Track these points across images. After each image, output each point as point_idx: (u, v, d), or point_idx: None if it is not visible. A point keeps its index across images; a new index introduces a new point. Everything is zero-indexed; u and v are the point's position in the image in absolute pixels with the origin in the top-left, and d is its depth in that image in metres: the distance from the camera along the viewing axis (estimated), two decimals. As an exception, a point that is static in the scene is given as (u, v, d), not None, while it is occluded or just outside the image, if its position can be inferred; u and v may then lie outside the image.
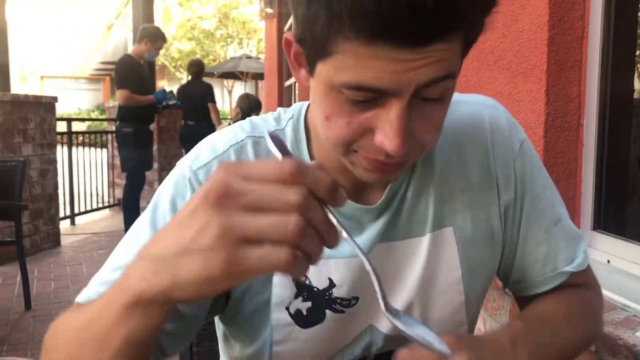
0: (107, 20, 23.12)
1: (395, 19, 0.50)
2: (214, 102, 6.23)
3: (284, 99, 9.53)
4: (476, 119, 0.80)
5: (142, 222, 0.74)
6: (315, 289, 0.75)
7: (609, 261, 1.48)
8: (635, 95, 1.70)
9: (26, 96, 4.85)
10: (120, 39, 15.81)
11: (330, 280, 0.75)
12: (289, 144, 0.76)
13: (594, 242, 1.55)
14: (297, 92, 7.90)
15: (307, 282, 0.75)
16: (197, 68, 6.22)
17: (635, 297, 1.27)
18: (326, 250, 0.70)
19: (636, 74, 1.71)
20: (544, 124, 1.55)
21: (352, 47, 0.54)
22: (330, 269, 0.75)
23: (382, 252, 0.76)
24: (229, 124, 5.06)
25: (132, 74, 4.87)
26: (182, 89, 6.23)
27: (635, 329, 1.15)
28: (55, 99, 5.18)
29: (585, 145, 1.57)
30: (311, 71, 0.63)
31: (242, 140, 0.76)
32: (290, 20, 8.91)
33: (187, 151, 0.83)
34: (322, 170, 0.46)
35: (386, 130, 0.59)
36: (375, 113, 0.60)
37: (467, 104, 0.82)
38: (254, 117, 0.81)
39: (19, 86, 21.09)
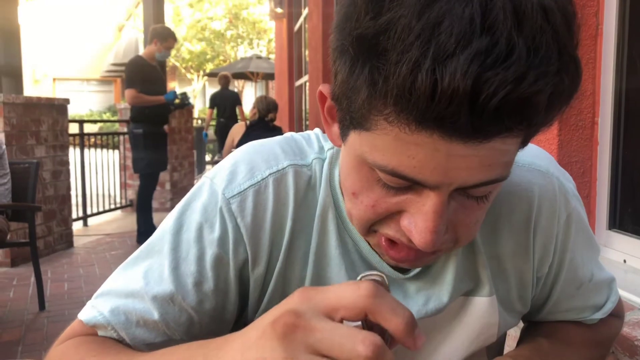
0: (118, 21, 23.26)
1: (449, 115, 0.44)
2: (240, 105, 8.86)
3: (295, 99, 9.54)
4: (524, 191, 0.72)
5: (163, 243, 0.68)
6: None
7: (625, 260, 1.46)
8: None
9: (39, 98, 4.89)
10: (131, 40, 15.91)
11: None
12: (323, 179, 0.69)
13: (609, 241, 1.53)
14: (307, 92, 7.90)
15: None
16: (225, 80, 8.77)
17: (653, 297, 1.25)
18: None
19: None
20: (558, 122, 1.53)
21: (393, 130, 0.48)
22: None
23: (425, 320, 0.71)
24: (246, 124, 5.10)
25: (140, 74, 4.89)
26: (217, 94, 8.75)
27: (653, 330, 1.13)
28: (67, 100, 5.21)
29: (600, 144, 1.56)
30: (343, 136, 0.57)
31: (283, 169, 0.68)
32: (300, 21, 8.93)
33: (221, 143, 0.78)
34: (399, 304, 0.42)
35: (418, 222, 0.53)
36: (408, 199, 0.54)
37: (518, 168, 0.72)
38: (296, 135, 0.74)
39: (31, 89, 21.29)
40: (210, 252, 0.66)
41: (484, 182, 0.51)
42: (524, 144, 0.53)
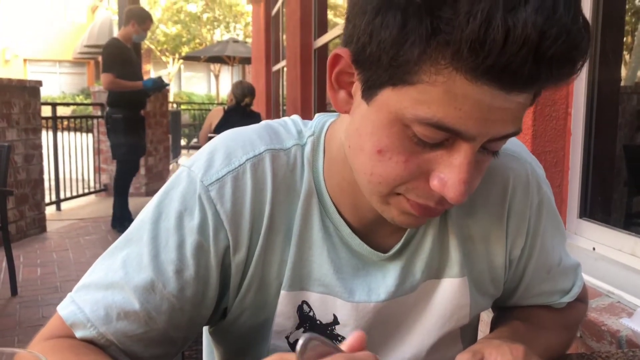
0: (91, 2, 22.77)
1: (517, 60, 0.48)
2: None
3: (272, 84, 9.49)
4: (499, 174, 0.75)
5: (142, 232, 0.68)
6: (318, 322, 0.73)
7: (594, 248, 1.51)
8: (622, 84, 1.72)
9: (9, 80, 4.77)
10: (105, 22, 15.61)
11: (335, 317, 0.73)
12: (305, 165, 0.70)
13: (580, 229, 1.58)
14: (285, 77, 7.86)
15: (311, 313, 0.73)
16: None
17: (620, 284, 1.29)
18: (333, 289, 0.70)
19: (623, 63, 1.72)
20: (533, 112, 1.56)
21: (446, 81, 0.51)
22: (336, 308, 0.72)
23: (394, 306, 0.74)
24: (224, 109, 5.04)
25: (118, 57, 4.80)
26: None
27: (619, 315, 1.17)
28: (39, 83, 5.10)
29: (573, 134, 1.59)
30: (368, 95, 0.57)
31: (260, 154, 0.69)
32: (278, 5, 8.85)
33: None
34: None
35: (450, 175, 0.56)
36: (440, 155, 0.56)
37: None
38: (272, 122, 0.75)
39: (1, 70, 20.77)
40: (190, 239, 0.66)
41: (510, 134, 0.56)
42: (532, 101, 0.58)
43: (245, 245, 0.68)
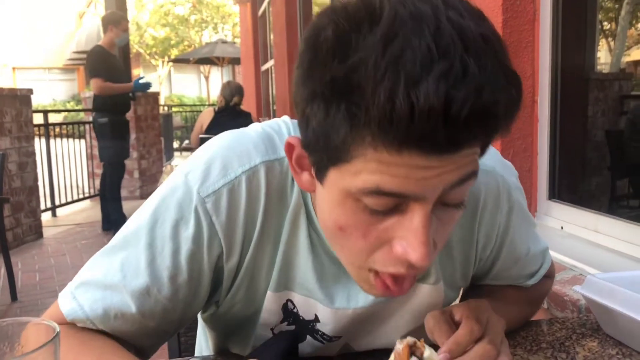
0: (79, 8, 22.75)
1: (428, 131, 0.49)
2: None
3: (261, 83, 9.54)
4: (472, 189, 0.77)
5: (139, 237, 0.71)
6: (301, 318, 0.78)
7: (562, 227, 1.60)
8: (585, 70, 1.81)
9: (1, 89, 4.83)
10: (92, 28, 15.58)
11: (316, 316, 0.78)
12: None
13: (549, 210, 1.67)
14: (274, 76, 7.92)
15: (295, 310, 0.77)
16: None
17: (583, 258, 1.39)
18: (315, 294, 0.76)
19: (584, 50, 1.81)
20: (501, 101, 1.65)
21: (375, 154, 0.53)
22: (318, 309, 0.77)
23: (372, 311, 0.78)
24: (214, 110, 5.08)
25: (103, 63, 4.87)
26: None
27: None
28: (30, 91, 5.16)
29: (540, 121, 1.68)
30: (320, 177, 0.60)
31: (255, 166, 0.71)
32: (264, 5, 8.88)
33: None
34: None
35: (410, 239, 0.56)
36: (396, 221, 0.57)
37: None
38: (267, 128, 0.76)
39: (-10, 79, 20.71)
40: (185, 247, 0.70)
41: (462, 179, 0.55)
42: (484, 148, 0.59)
43: (238, 252, 0.72)
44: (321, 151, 0.57)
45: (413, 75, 0.48)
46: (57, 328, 0.47)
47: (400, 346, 0.58)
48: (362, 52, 0.50)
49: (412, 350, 0.58)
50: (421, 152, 0.51)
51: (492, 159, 0.82)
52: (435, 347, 0.63)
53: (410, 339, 0.58)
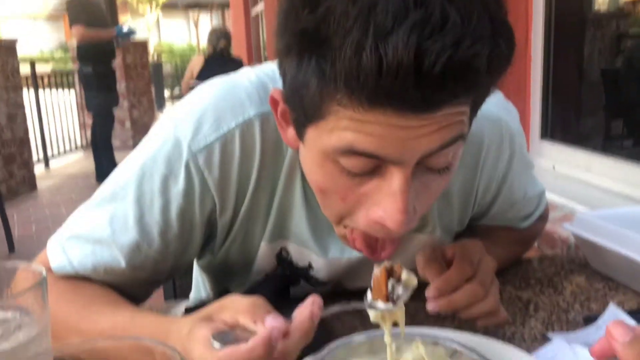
0: (61, -47, 21.96)
1: (398, 88, 0.45)
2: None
3: (251, 29, 9.34)
4: (475, 137, 0.74)
5: (127, 190, 0.69)
6: (295, 265, 0.79)
7: (554, 167, 1.60)
8: (580, 9, 1.77)
9: (-16, 40, 4.72)
10: (76, -26, 15.09)
11: (310, 263, 0.78)
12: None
13: (541, 150, 1.67)
14: (264, 22, 7.76)
15: (289, 258, 0.78)
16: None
17: (575, 197, 1.39)
18: (309, 245, 0.76)
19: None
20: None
21: (347, 112, 0.50)
22: (312, 258, 0.77)
23: (366, 260, 0.77)
24: (204, 58, 4.99)
25: (83, 9, 4.75)
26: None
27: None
28: (15, 41, 5.05)
29: (533, 59, 1.66)
30: (301, 135, 0.58)
31: (249, 119, 0.67)
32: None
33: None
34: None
35: (387, 205, 0.53)
36: (375, 185, 0.54)
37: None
38: (262, 76, 0.71)
39: (-26, 30, 20.21)
40: (175, 203, 0.68)
41: (445, 144, 0.51)
42: (475, 107, 0.54)
43: (232, 207, 0.71)
44: (298, 107, 0.55)
45: (384, 26, 0.44)
46: (44, 272, 0.47)
47: (377, 270, 0.58)
48: (331, 0, 0.46)
49: (389, 273, 0.57)
50: (395, 111, 0.48)
51: (497, 105, 0.78)
52: (424, 285, 0.64)
53: (387, 263, 0.58)
